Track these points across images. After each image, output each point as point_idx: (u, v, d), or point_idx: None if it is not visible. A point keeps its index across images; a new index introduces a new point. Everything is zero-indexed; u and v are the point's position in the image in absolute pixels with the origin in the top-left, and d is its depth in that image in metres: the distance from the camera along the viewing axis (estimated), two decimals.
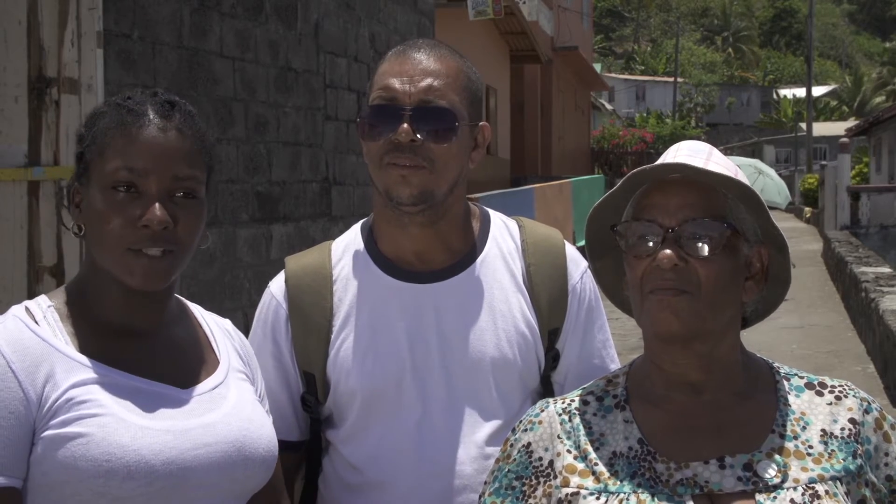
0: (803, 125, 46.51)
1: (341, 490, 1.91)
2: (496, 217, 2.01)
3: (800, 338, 10.33)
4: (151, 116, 1.62)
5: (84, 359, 1.56)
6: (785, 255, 1.62)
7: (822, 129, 52.32)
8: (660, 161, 1.58)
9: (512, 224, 2.00)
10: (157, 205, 1.58)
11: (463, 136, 1.86)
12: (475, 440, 1.84)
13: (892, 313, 8.48)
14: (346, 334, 1.89)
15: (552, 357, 1.93)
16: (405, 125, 1.78)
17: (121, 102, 1.64)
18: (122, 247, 1.58)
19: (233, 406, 1.67)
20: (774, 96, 69.93)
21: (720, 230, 1.52)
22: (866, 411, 1.58)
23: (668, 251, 1.51)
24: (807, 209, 29.09)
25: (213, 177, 1.72)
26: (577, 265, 1.97)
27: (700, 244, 1.51)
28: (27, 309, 1.60)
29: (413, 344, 1.86)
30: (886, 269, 12.11)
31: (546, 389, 1.93)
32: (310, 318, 1.91)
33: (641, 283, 1.54)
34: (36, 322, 1.58)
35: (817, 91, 60.55)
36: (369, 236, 1.95)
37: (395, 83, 1.82)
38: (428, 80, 1.82)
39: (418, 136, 1.79)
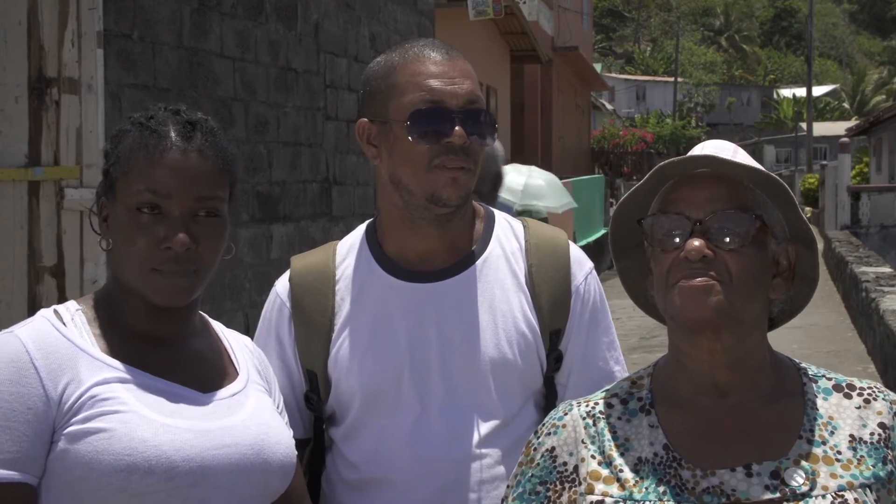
0: (803, 125, 46.52)
1: (342, 487, 1.92)
2: (501, 217, 2.00)
3: (800, 338, 10.32)
4: (173, 138, 1.64)
5: (108, 359, 1.60)
6: (813, 252, 1.58)
7: (822, 129, 52.27)
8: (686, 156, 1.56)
9: (517, 224, 1.99)
10: (180, 229, 1.61)
11: None
12: (472, 440, 1.84)
13: (893, 313, 8.48)
14: (346, 333, 1.90)
15: (555, 358, 1.92)
16: (458, 128, 1.81)
17: (143, 122, 1.66)
18: (147, 267, 1.62)
19: (251, 412, 1.69)
20: (774, 96, 69.92)
21: (749, 222, 1.50)
22: None
23: (696, 241, 1.47)
24: (807, 209, 29.08)
25: (235, 190, 1.73)
26: (581, 266, 1.96)
27: (729, 237, 1.48)
28: (55, 311, 1.64)
29: (413, 343, 1.87)
30: (887, 269, 12.12)
31: (549, 391, 1.92)
32: (312, 316, 1.92)
33: (668, 276, 1.50)
34: (63, 324, 1.62)
35: (817, 91, 60.48)
36: (373, 236, 1.96)
37: (438, 85, 1.83)
38: (467, 83, 1.85)
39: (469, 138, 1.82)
